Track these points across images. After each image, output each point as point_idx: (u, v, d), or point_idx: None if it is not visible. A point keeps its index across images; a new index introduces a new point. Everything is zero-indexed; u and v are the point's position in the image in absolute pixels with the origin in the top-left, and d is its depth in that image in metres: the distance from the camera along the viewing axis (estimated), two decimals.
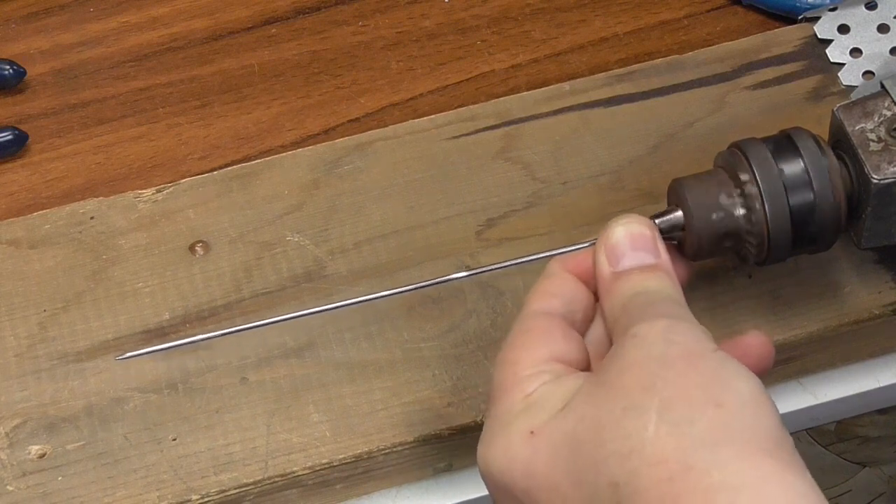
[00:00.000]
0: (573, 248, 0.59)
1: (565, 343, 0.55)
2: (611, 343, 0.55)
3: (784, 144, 0.60)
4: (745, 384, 0.50)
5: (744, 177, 0.60)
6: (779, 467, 0.48)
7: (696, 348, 0.51)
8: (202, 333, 0.66)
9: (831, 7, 0.76)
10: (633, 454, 0.48)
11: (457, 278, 0.63)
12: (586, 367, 0.56)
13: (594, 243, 0.58)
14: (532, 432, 0.52)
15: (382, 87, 0.77)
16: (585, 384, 0.52)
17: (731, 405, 0.49)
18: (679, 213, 0.60)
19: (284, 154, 0.72)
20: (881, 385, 0.70)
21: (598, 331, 0.57)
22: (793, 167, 0.60)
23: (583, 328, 0.57)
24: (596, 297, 0.57)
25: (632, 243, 0.56)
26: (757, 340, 0.55)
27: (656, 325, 0.52)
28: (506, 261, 0.62)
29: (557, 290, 0.57)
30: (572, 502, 0.50)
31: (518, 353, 0.55)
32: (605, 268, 0.56)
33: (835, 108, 0.63)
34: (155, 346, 0.64)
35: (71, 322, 0.67)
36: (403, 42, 0.78)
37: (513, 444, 0.52)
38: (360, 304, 0.62)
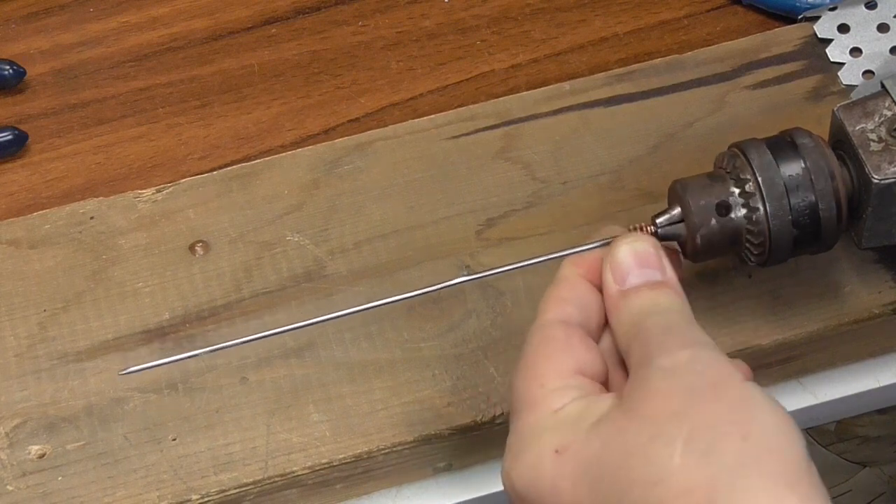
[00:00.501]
0: (577, 249, 0.58)
1: (587, 354, 0.55)
2: (622, 358, 0.55)
3: (785, 145, 0.60)
4: (770, 415, 0.50)
5: (745, 178, 0.60)
6: (802, 500, 0.48)
7: (722, 378, 0.51)
8: (202, 333, 0.66)
9: (831, 7, 0.76)
10: (660, 482, 0.48)
11: (459, 283, 0.62)
12: (605, 377, 0.56)
13: (603, 243, 0.58)
14: (557, 451, 0.52)
15: (382, 87, 0.77)
16: (613, 410, 0.52)
17: (758, 436, 0.49)
18: (680, 215, 0.60)
19: (284, 154, 0.72)
20: (881, 385, 0.70)
21: (610, 340, 0.57)
22: (793, 168, 0.60)
23: (597, 335, 0.57)
24: None
25: (637, 261, 0.56)
26: (740, 367, 0.56)
27: (681, 355, 0.52)
28: (508, 264, 0.61)
29: (571, 295, 0.57)
30: None
31: (542, 365, 0.55)
32: (611, 286, 0.56)
33: (835, 108, 0.63)
34: (156, 359, 0.63)
35: (71, 322, 0.67)
36: (403, 42, 0.78)
37: (541, 460, 0.52)
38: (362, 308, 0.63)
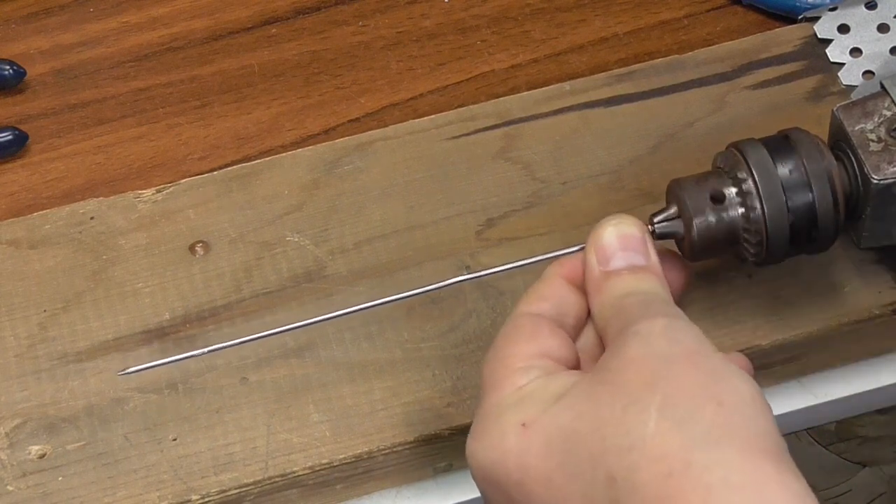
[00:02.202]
0: (575, 248, 0.59)
1: (553, 339, 0.55)
2: (602, 347, 0.55)
3: (782, 145, 0.60)
4: (744, 385, 0.50)
5: (742, 177, 0.60)
6: (777, 468, 0.48)
7: (697, 347, 0.52)
8: (202, 333, 0.66)
9: (831, 7, 0.76)
10: (634, 449, 0.48)
11: (458, 282, 0.62)
12: (575, 367, 0.56)
13: None
14: (524, 425, 0.52)
15: (382, 87, 0.77)
16: (582, 381, 0.52)
17: (732, 404, 0.49)
18: (677, 214, 0.60)
19: (284, 154, 0.72)
20: (881, 385, 0.70)
21: (589, 336, 0.57)
22: (790, 167, 0.60)
23: (574, 333, 0.57)
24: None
25: (622, 243, 0.56)
26: (741, 360, 0.56)
27: (657, 322, 0.52)
28: (507, 263, 0.62)
29: (548, 293, 0.57)
30: (566, 495, 0.50)
31: (507, 349, 0.55)
32: (594, 267, 0.56)
33: (834, 108, 0.63)
34: (156, 360, 0.64)
35: (71, 322, 0.67)
36: (403, 42, 0.78)
37: (506, 437, 0.52)
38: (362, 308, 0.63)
